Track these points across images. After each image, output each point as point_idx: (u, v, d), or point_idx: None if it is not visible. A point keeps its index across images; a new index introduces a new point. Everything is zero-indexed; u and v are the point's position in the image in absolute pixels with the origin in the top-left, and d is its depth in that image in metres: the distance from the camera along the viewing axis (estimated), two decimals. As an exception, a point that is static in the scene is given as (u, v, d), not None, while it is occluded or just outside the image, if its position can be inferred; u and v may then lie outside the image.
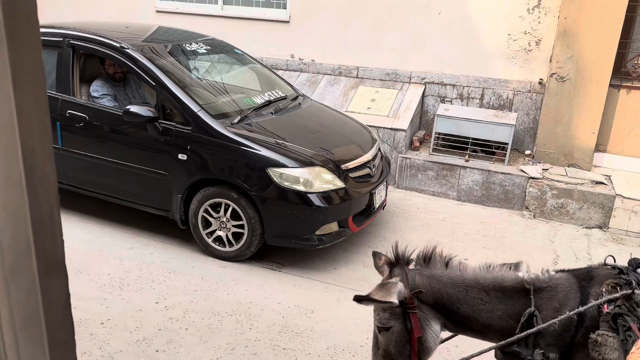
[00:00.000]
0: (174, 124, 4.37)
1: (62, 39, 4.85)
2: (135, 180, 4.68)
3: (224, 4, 7.82)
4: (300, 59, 7.56)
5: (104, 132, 4.72)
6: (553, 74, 6.07)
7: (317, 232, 4.32)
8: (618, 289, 1.88)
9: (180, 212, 4.51)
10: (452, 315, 2.04)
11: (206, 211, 4.50)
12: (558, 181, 5.90)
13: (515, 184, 6.00)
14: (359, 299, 2.03)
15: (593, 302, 1.87)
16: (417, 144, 6.57)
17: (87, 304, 3.85)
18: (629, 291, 1.84)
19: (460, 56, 6.74)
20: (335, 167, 4.51)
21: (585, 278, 2.02)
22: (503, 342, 1.95)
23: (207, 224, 4.59)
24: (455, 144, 6.41)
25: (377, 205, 4.92)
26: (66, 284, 0.81)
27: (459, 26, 6.65)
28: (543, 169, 6.18)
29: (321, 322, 3.93)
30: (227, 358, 3.47)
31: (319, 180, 4.31)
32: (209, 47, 5.48)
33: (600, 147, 6.28)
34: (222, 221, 4.46)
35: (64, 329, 0.79)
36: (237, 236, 4.50)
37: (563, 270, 2.13)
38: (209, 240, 4.54)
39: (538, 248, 5.31)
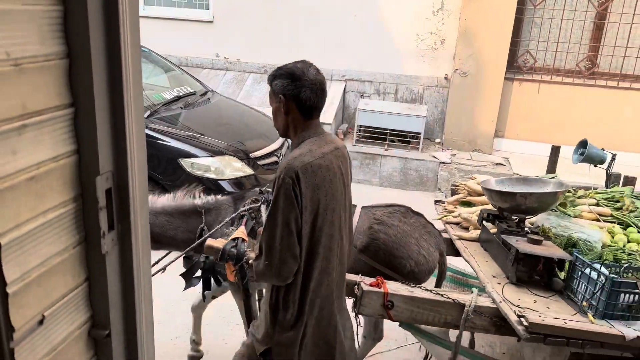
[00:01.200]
0: None
1: None
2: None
3: (145, 5, 7.88)
4: (225, 57, 7.77)
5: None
6: (456, 69, 6.66)
7: None
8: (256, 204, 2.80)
9: None
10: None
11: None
12: (464, 164, 6.51)
13: (428, 168, 6.53)
14: None
15: (235, 214, 2.62)
16: (342, 136, 7.01)
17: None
18: (257, 205, 2.64)
19: (376, 55, 7.19)
20: (245, 156, 4.74)
21: (239, 198, 2.83)
22: (184, 251, 2.65)
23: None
24: (376, 135, 6.84)
25: None
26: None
27: (373, 27, 7.11)
28: (451, 155, 6.75)
29: (268, 301, 4.24)
30: (186, 336, 3.60)
31: (229, 168, 4.55)
32: (111, 46, 5.80)
33: (499, 133, 6.92)
34: None
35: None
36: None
37: (227, 194, 2.99)
38: None
39: (450, 223, 6.16)
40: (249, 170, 4.68)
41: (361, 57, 7.30)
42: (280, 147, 5.33)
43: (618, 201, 3.32)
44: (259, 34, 7.60)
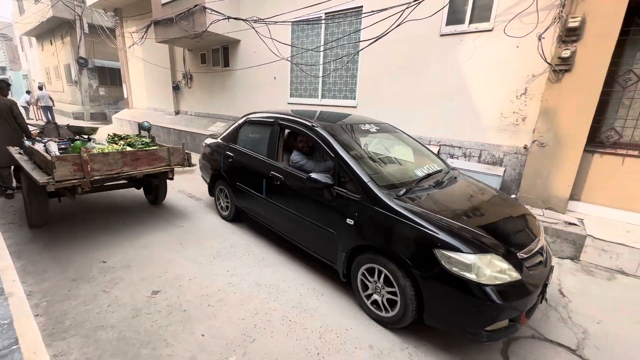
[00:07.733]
0: (345, 191, 3.69)
1: (274, 120, 4.86)
2: (311, 231, 3.93)
3: (322, 98, 9.03)
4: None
5: (292, 190, 4.27)
6: (535, 140, 6.06)
7: (487, 328, 2.90)
8: None
9: (343, 267, 3.74)
10: None
11: (363, 274, 3.63)
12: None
13: (505, 217, 5.19)
14: None
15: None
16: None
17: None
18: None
19: (464, 128, 6.81)
20: (507, 253, 3.00)
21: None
22: None
23: (364, 285, 3.67)
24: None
25: (547, 297, 3.48)
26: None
27: (464, 108, 6.79)
28: (526, 208, 5.46)
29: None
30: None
31: (490, 269, 2.88)
32: (377, 128, 4.76)
33: (574, 196, 6.26)
34: (377, 286, 3.51)
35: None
36: (392, 303, 3.38)
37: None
38: (367, 302, 3.66)
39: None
40: (515, 275, 2.90)
41: (452, 130, 6.90)
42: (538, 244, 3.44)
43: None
44: (385, 112, 7.38)
